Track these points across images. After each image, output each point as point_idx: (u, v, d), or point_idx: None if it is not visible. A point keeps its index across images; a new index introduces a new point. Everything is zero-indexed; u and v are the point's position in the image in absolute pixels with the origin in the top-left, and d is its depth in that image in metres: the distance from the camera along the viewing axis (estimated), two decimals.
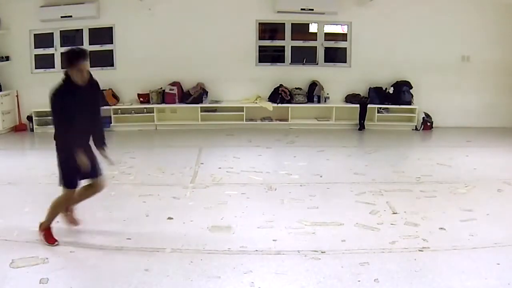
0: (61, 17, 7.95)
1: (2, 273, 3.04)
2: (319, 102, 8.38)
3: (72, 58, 3.24)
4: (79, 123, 3.28)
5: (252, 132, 7.93)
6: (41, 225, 3.56)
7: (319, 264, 3.21)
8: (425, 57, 8.30)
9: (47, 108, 9.19)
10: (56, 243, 3.47)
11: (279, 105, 8.23)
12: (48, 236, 3.51)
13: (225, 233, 3.74)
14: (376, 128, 8.35)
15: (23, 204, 4.40)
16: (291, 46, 8.58)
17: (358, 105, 8.25)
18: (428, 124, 8.36)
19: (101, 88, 3.66)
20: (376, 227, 3.84)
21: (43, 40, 8.39)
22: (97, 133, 3.57)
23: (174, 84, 8.25)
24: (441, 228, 3.79)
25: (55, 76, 9.22)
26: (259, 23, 8.50)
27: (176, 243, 3.52)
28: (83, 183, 3.60)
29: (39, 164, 6.17)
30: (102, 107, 3.74)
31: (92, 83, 3.45)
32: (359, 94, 8.47)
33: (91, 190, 3.64)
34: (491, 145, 7.17)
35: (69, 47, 3.43)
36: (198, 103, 8.20)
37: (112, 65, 8.46)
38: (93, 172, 3.52)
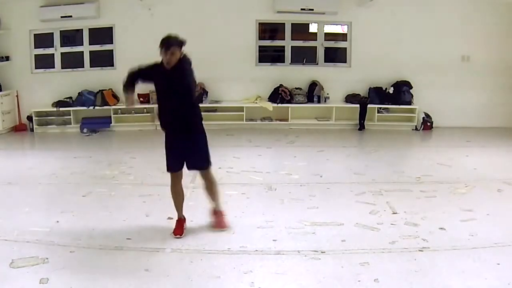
0: (61, 17, 7.96)
1: (2, 273, 3.04)
2: (319, 102, 8.38)
3: (160, 43, 3.40)
4: (163, 105, 3.55)
5: (252, 132, 7.93)
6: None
7: (319, 264, 3.21)
8: (425, 57, 8.30)
9: (47, 108, 9.18)
10: (178, 236, 3.64)
11: (279, 105, 8.23)
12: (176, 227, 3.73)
13: (225, 233, 3.74)
14: (376, 128, 8.35)
15: (23, 204, 4.40)
16: (291, 46, 8.59)
17: (358, 105, 8.25)
18: (428, 124, 8.36)
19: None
20: (376, 227, 3.83)
21: (43, 40, 8.40)
22: (183, 117, 3.56)
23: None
24: (441, 228, 3.79)
25: (55, 76, 9.31)
26: (259, 23, 8.50)
27: (176, 243, 3.53)
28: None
29: (39, 164, 6.18)
30: (191, 93, 3.62)
31: (178, 68, 3.43)
32: (359, 94, 8.47)
33: (203, 182, 3.79)
34: (491, 145, 7.16)
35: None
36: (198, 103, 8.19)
37: (112, 65, 8.47)
38: (189, 164, 3.66)
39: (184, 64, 3.47)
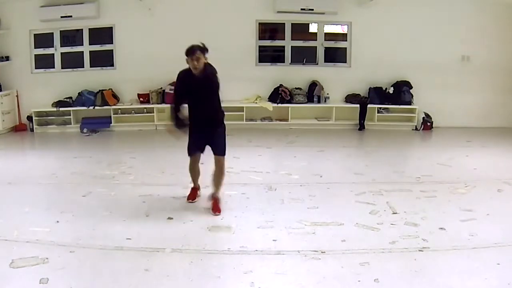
0: (61, 17, 7.95)
1: (2, 273, 3.04)
2: (319, 102, 8.38)
3: (186, 52, 3.85)
4: (193, 105, 4.02)
5: (252, 132, 7.93)
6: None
7: (319, 264, 3.21)
8: (425, 57, 8.30)
9: (47, 108, 9.18)
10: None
11: (279, 105, 8.23)
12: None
13: (225, 233, 3.75)
14: (376, 128, 8.35)
15: (23, 204, 4.40)
16: (291, 46, 8.58)
17: (358, 105, 8.25)
18: (428, 124, 8.36)
19: (210, 79, 3.97)
20: (376, 227, 3.83)
21: (43, 40, 8.39)
22: (210, 115, 4.03)
23: (174, 84, 8.24)
24: (441, 228, 3.79)
25: (55, 76, 9.31)
26: (259, 23, 8.50)
27: (176, 243, 3.52)
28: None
29: (39, 164, 6.18)
30: (218, 95, 4.09)
31: (206, 75, 3.90)
32: (359, 94, 8.47)
33: (215, 168, 4.15)
34: (491, 145, 7.16)
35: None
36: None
37: (112, 65, 8.46)
38: (214, 150, 4.10)
39: (210, 71, 3.92)
